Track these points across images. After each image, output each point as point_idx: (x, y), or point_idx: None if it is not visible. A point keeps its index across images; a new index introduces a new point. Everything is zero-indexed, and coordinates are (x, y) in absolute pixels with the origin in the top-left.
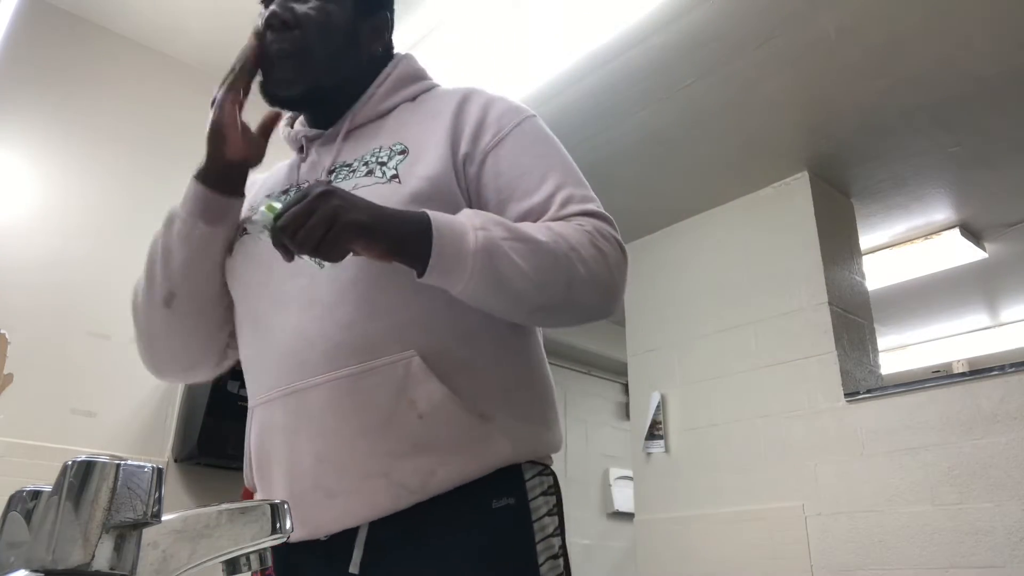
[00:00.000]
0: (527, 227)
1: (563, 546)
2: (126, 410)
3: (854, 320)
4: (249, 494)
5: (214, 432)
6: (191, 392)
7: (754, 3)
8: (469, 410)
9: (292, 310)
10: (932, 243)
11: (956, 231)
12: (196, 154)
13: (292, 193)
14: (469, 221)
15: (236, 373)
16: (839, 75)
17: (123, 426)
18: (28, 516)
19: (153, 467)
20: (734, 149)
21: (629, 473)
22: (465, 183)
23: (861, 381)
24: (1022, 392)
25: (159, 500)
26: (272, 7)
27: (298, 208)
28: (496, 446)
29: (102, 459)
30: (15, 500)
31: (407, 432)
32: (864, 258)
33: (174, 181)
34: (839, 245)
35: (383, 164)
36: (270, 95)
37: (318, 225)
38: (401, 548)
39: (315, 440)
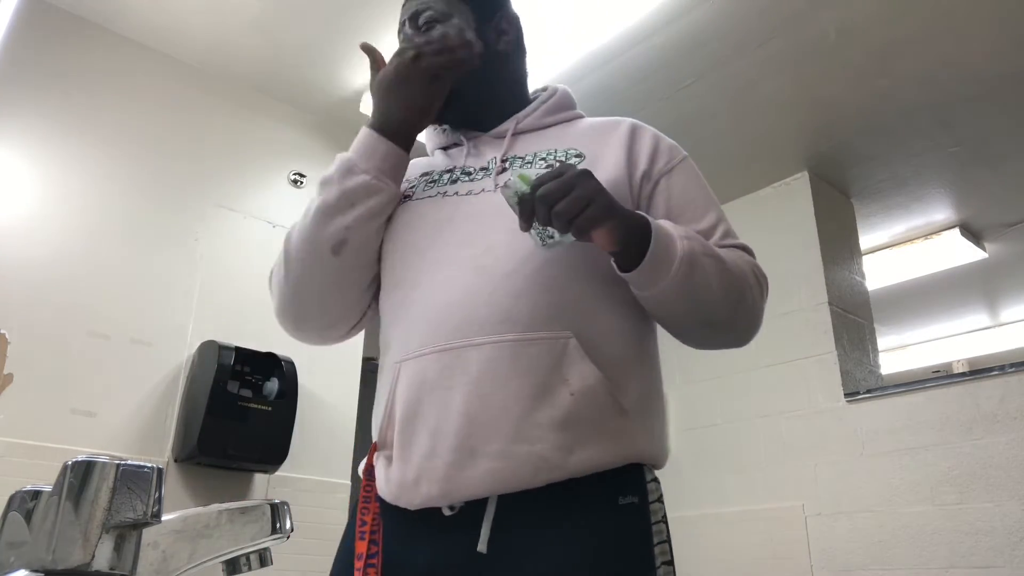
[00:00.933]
0: (713, 246)
1: (671, 554)
2: (126, 410)
3: (854, 320)
4: (375, 451)
5: (214, 432)
6: (191, 392)
7: (754, 3)
8: (614, 399)
9: (458, 274)
10: (932, 243)
11: (956, 231)
12: (197, 154)
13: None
14: (675, 230)
15: (235, 373)
16: (839, 75)
17: (123, 426)
18: (28, 516)
19: (153, 467)
20: (734, 149)
21: None
22: (636, 196)
23: (861, 381)
24: (1022, 392)
25: (159, 500)
26: (410, 33)
27: (559, 182)
28: (631, 441)
29: (102, 459)
30: (15, 500)
31: (557, 406)
32: (864, 258)
33: (174, 180)
34: (839, 245)
35: (561, 162)
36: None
37: (577, 201)
38: (527, 530)
39: (469, 398)
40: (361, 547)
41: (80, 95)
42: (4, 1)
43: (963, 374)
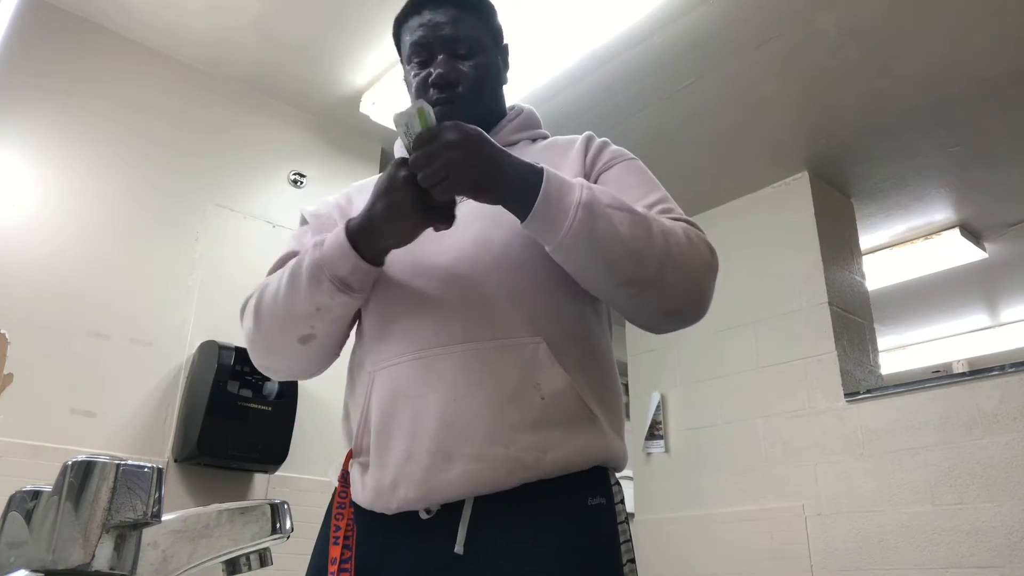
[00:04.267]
0: (629, 203)
1: (633, 553)
2: (126, 410)
3: (854, 320)
4: (351, 457)
5: (214, 432)
6: (191, 392)
7: (754, 3)
8: (582, 403)
9: (433, 283)
10: (932, 243)
11: (956, 231)
12: (197, 154)
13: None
14: (578, 181)
15: (235, 373)
16: (839, 75)
17: (123, 426)
18: (28, 516)
19: (153, 467)
20: (734, 149)
21: (629, 473)
22: None
23: (861, 381)
24: (1022, 392)
25: (159, 500)
26: (438, 69)
27: (425, 151)
28: (599, 442)
29: (102, 459)
30: (15, 500)
31: (529, 409)
32: (864, 258)
33: (174, 180)
34: (839, 245)
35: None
36: None
37: (437, 172)
38: (502, 531)
39: (444, 403)
40: (335, 552)
41: (80, 95)
42: (4, 1)
43: (963, 374)
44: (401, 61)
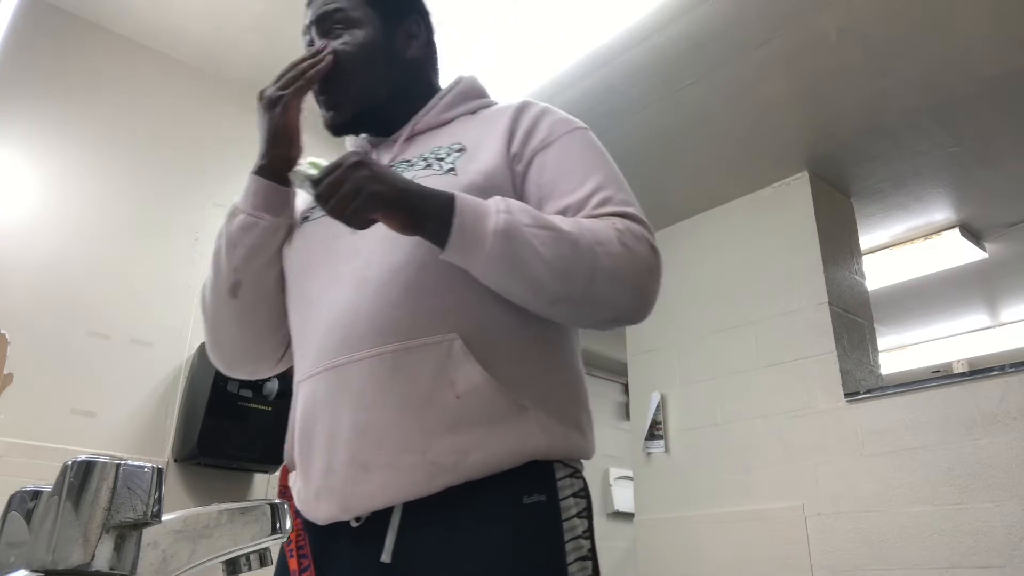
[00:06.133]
0: (554, 218)
1: (593, 550)
2: (126, 410)
3: (854, 320)
4: (287, 472)
5: (214, 432)
6: (191, 392)
7: (754, 3)
8: (506, 397)
9: (345, 288)
10: (932, 243)
11: (956, 231)
12: (197, 153)
13: None
14: (494, 204)
15: None
16: (839, 75)
17: (123, 426)
18: (28, 516)
19: (153, 467)
20: (734, 149)
21: (629, 473)
22: (513, 179)
23: (861, 381)
24: (1022, 392)
25: (159, 500)
26: (313, 45)
27: (331, 178)
28: (530, 437)
29: (102, 459)
30: (15, 500)
31: (444, 411)
32: (864, 258)
33: (174, 181)
34: (839, 245)
35: (441, 160)
36: (331, 127)
37: (347, 196)
38: (432, 537)
39: (355, 413)
40: (293, 564)
41: (80, 95)
42: (4, 1)
43: (963, 374)
44: None
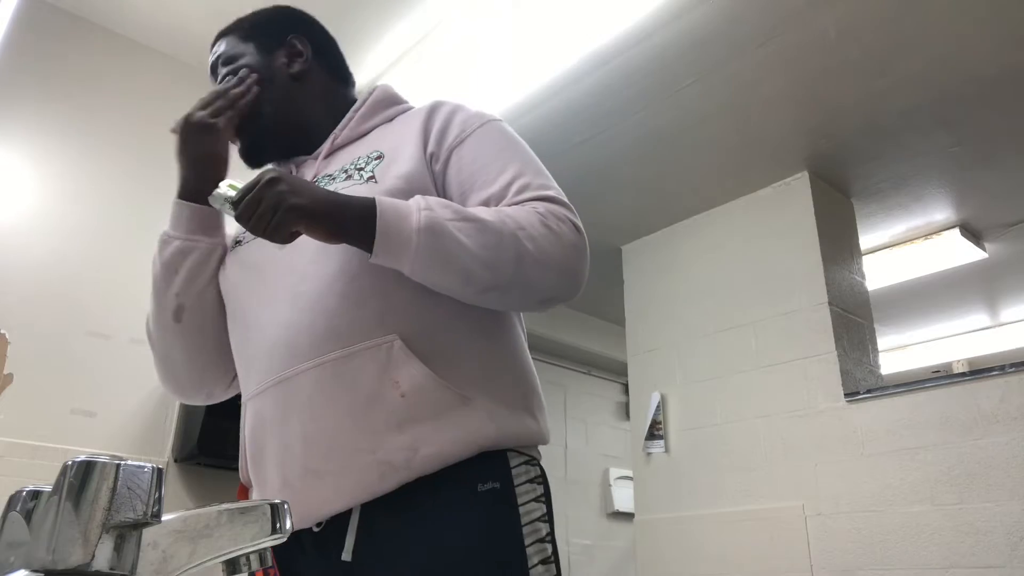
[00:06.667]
0: (475, 209)
1: (551, 533)
2: (126, 410)
3: (854, 320)
4: (244, 491)
5: (214, 432)
6: None
7: (754, 3)
8: (450, 391)
9: (282, 305)
10: (932, 243)
11: (956, 231)
12: None
13: None
14: (415, 203)
15: None
16: (839, 75)
17: (123, 426)
18: (28, 516)
19: (153, 467)
20: (734, 149)
21: (629, 473)
22: (433, 179)
23: (861, 381)
24: (1022, 392)
25: (159, 500)
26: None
27: (249, 197)
28: (478, 427)
29: (102, 459)
30: (15, 500)
31: (391, 410)
32: (864, 258)
33: (174, 181)
34: (839, 245)
35: (360, 169)
36: (244, 158)
37: (267, 212)
38: (391, 534)
39: (304, 423)
40: (259, 574)
41: (80, 95)
42: (4, 1)
43: (963, 374)
44: None
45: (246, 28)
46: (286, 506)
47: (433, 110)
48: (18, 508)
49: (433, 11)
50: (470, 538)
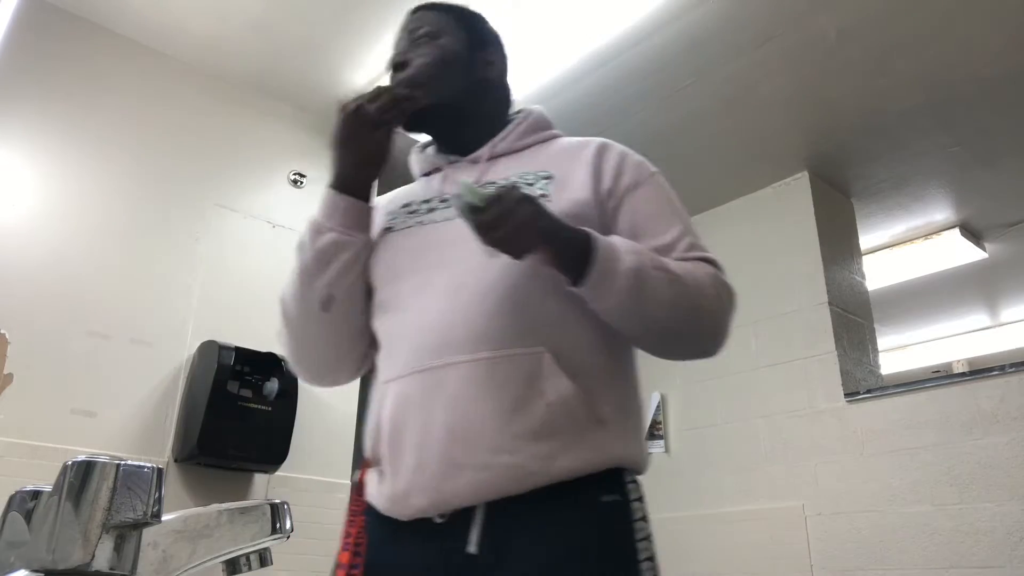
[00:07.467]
0: (666, 261)
1: (655, 552)
2: (126, 410)
3: (854, 320)
4: (367, 465)
5: (214, 432)
6: (191, 392)
7: (754, 3)
8: (589, 409)
9: (438, 296)
10: (932, 243)
11: (956, 231)
12: (197, 154)
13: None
14: (622, 245)
15: (235, 373)
16: (839, 75)
17: (123, 426)
18: (28, 516)
19: (153, 467)
20: (734, 149)
21: None
22: (602, 214)
23: (861, 381)
24: (1022, 392)
25: (159, 500)
26: (403, 46)
27: (500, 208)
28: (611, 448)
29: (102, 459)
30: (15, 500)
31: (534, 418)
32: (864, 258)
33: (174, 180)
34: (839, 245)
35: (531, 184)
36: (408, 125)
37: (517, 228)
38: (515, 531)
39: (449, 415)
40: (344, 557)
41: (80, 95)
42: (4, 1)
43: (963, 374)
44: None
45: (465, 17)
46: (286, 506)
47: (605, 148)
48: (18, 508)
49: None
50: (590, 544)
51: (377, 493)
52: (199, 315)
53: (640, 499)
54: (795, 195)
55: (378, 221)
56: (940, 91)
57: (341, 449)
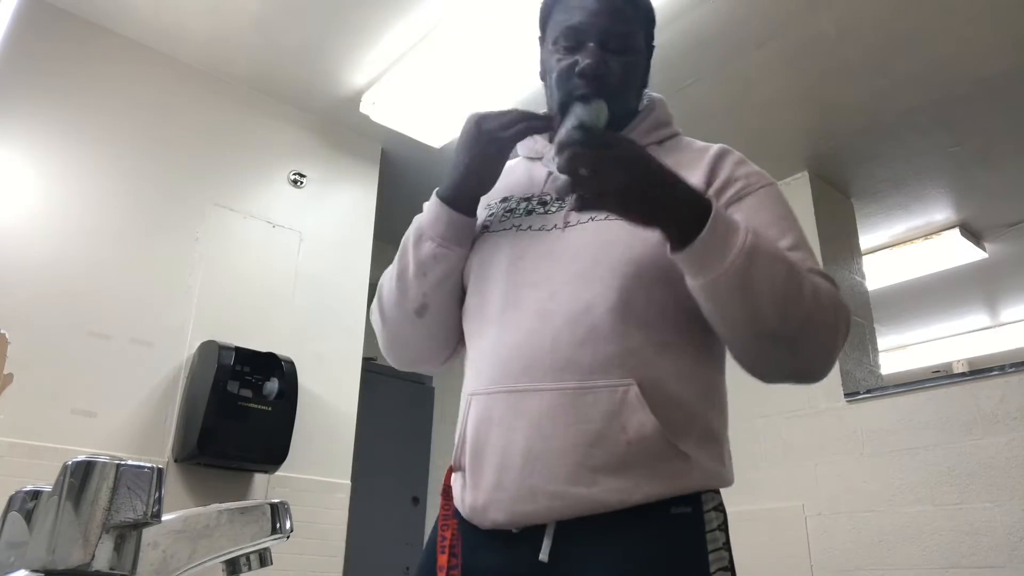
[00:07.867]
0: (789, 254)
1: (732, 561)
2: (126, 410)
3: (854, 320)
4: (450, 472)
5: (214, 432)
6: (191, 392)
7: (754, 3)
8: (672, 446)
9: (528, 316)
10: (932, 243)
11: (956, 231)
12: (197, 154)
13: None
14: (744, 223)
15: (235, 373)
16: (839, 75)
17: (123, 426)
18: (28, 516)
19: (153, 467)
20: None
21: None
22: None
23: (861, 381)
24: (1022, 392)
25: (159, 500)
26: (587, 59)
27: (594, 156)
28: (689, 479)
29: (102, 459)
30: (15, 500)
31: (613, 453)
32: (864, 258)
33: (174, 181)
34: (839, 245)
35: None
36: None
37: (595, 185)
38: (585, 542)
39: (529, 439)
40: (443, 560)
41: (80, 95)
42: (4, 1)
43: (963, 374)
44: (541, 35)
45: (643, 12)
46: (286, 506)
47: (723, 154)
48: (18, 508)
49: (433, 11)
50: (660, 556)
51: (460, 499)
52: (199, 315)
53: (716, 509)
54: (795, 195)
55: (480, 218)
56: (940, 91)
57: (341, 449)
